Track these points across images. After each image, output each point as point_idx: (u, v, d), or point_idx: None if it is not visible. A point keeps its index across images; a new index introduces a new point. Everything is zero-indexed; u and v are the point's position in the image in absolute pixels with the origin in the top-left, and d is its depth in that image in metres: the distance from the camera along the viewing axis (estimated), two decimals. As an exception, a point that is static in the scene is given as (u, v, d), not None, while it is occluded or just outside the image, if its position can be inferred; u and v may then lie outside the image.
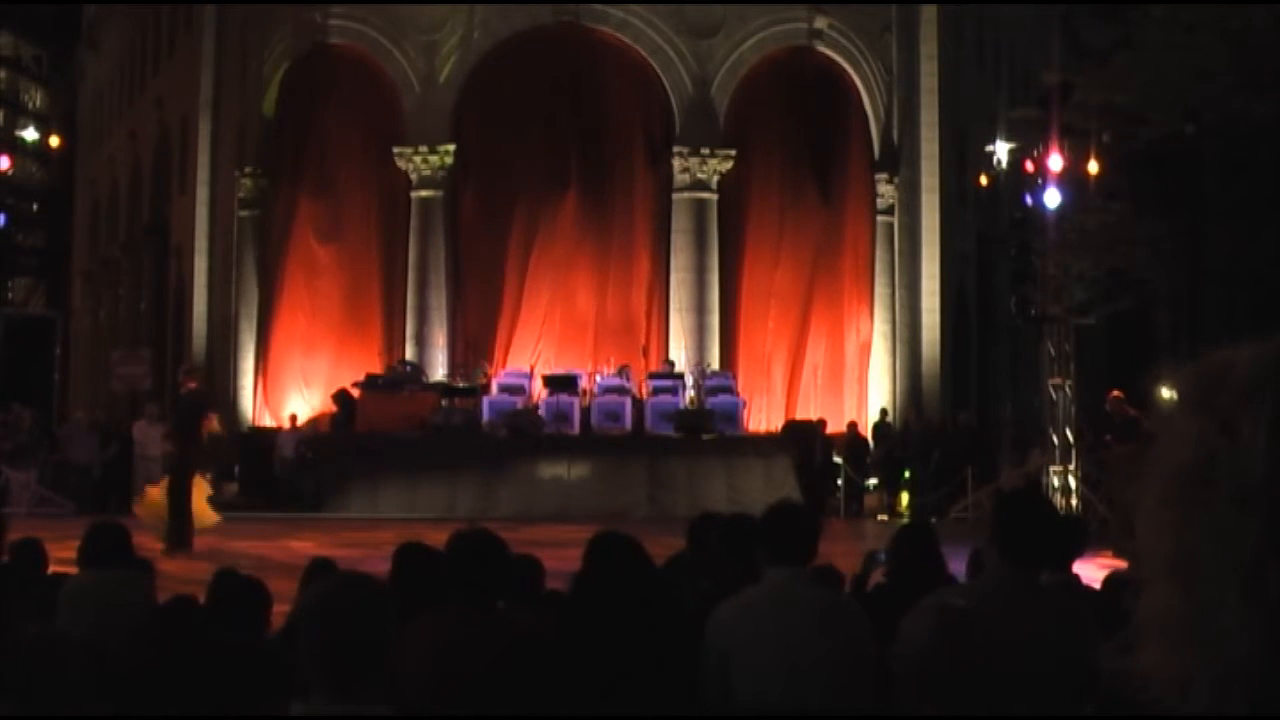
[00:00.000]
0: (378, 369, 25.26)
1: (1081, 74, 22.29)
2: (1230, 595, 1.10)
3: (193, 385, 17.68)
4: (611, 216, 27.01)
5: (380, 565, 6.09)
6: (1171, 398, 1.22)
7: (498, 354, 26.37)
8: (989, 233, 30.59)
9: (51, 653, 4.05)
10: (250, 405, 27.86)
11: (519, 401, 23.91)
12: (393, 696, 3.15)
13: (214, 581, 6.07)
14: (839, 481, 23.72)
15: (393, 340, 27.08)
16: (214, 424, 17.83)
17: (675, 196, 27.33)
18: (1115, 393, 19.89)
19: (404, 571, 5.82)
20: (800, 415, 26.01)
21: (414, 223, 27.44)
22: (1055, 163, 20.84)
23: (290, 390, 27.39)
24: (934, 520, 20.50)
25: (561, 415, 23.46)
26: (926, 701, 3.64)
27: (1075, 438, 21.02)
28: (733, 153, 27.24)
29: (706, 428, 23.31)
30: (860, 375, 27.67)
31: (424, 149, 27.16)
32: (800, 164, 27.48)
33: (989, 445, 24.57)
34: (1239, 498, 1.11)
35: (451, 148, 27.14)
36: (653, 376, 24.93)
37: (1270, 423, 1.11)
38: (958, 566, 7.06)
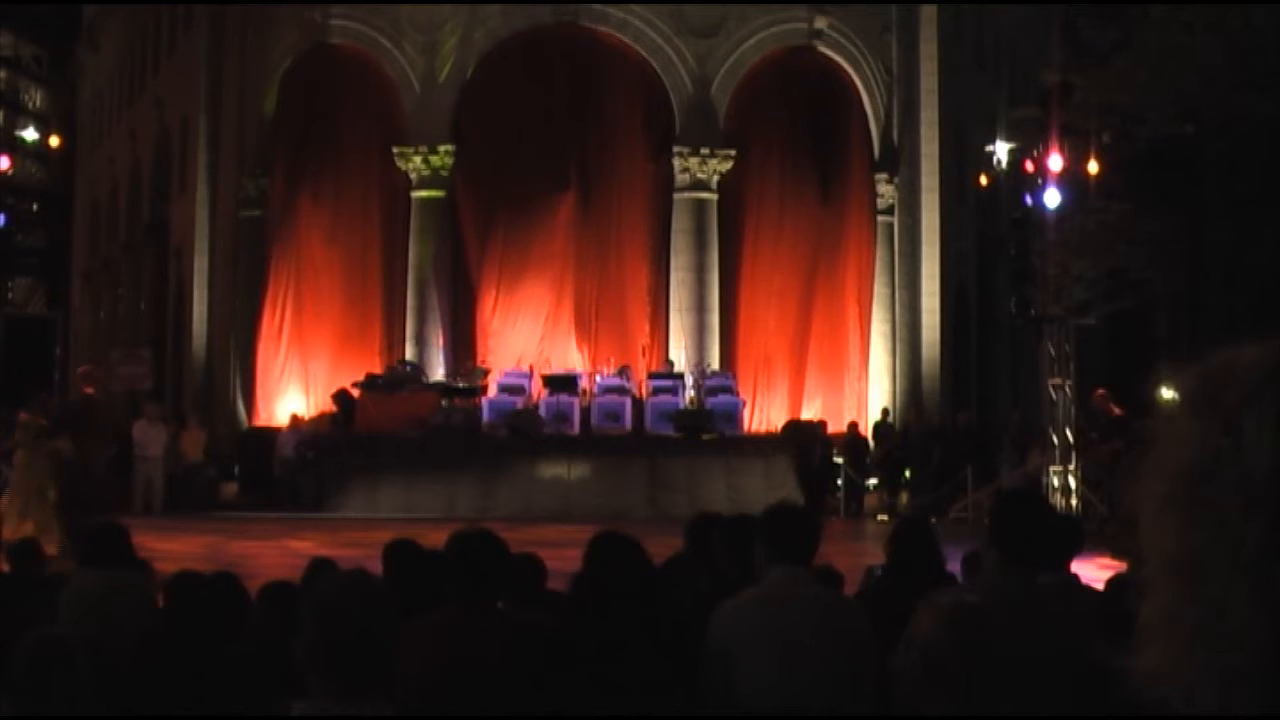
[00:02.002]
0: (378, 369, 25.26)
1: (1081, 74, 22.27)
2: (1235, 595, 1.10)
3: (90, 391, 15.94)
4: (611, 216, 27.01)
5: (378, 566, 6.09)
6: (1173, 398, 1.22)
7: (497, 354, 26.35)
8: (989, 233, 30.58)
9: (61, 651, 4.06)
10: (250, 405, 27.86)
11: (519, 401, 23.91)
12: (394, 696, 3.14)
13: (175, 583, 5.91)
14: (839, 481, 23.71)
15: (393, 340, 27.08)
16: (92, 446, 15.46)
17: (675, 196, 27.33)
18: (1100, 391, 19.96)
19: (394, 569, 5.82)
20: (800, 415, 26.01)
21: (414, 223, 27.44)
22: (1055, 163, 20.85)
23: (290, 390, 27.38)
24: (934, 520, 20.54)
25: (561, 415, 23.47)
26: (940, 699, 3.63)
27: (1075, 438, 21.02)
28: (733, 153, 27.24)
29: (706, 428, 23.31)
30: (860, 375, 27.65)
31: (424, 149, 27.16)
32: (800, 164, 27.48)
33: (989, 445, 24.55)
34: (1243, 497, 1.11)
35: (451, 148, 27.13)
36: (653, 376, 24.94)
37: (1274, 422, 1.11)
38: (955, 566, 7.07)
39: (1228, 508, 1.12)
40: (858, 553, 14.23)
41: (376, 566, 6.27)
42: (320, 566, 6.63)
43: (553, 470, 22.68)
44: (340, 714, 2.87)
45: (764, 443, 23.99)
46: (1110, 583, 6.27)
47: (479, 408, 23.92)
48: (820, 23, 27.77)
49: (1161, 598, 1.15)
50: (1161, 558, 1.16)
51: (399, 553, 5.98)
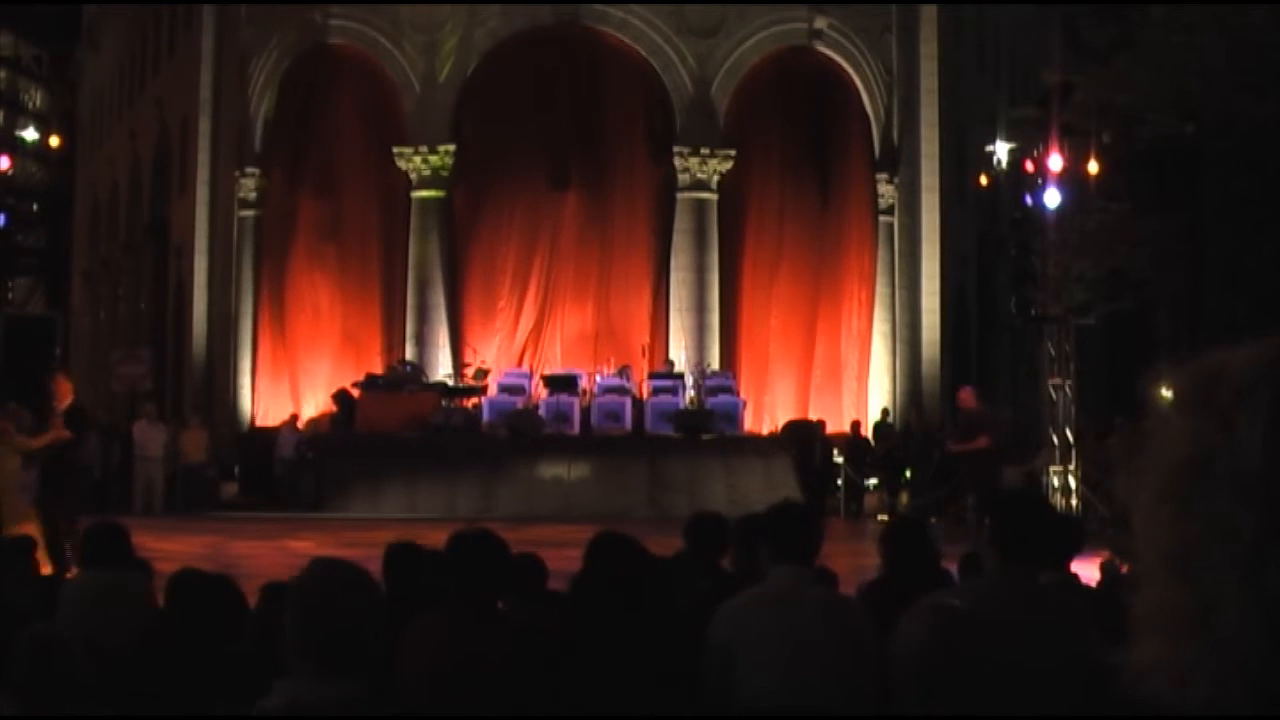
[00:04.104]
0: (378, 369, 25.26)
1: (1081, 74, 22.27)
2: (1229, 588, 1.11)
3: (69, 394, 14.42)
4: (612, 216, 27.02)
5: (379, 566, 6.08)
6: (1168, 397, 1.23)
7: (498, 354, 26.37)
8: (989, 233, 30.59)
9: (62, 649, 4.06)
10: (250, 405, 27.88)
11: (519, 401, 23.91)
12: (386, 689, 3.17)
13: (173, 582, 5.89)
14: (839, 481, 23.70)
15: (393, 340, 27.08)
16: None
17: (675, 196, 27.34)
18: (964, 389, 20.18)
19: (395, 572, 5.81)
20: (801, 415, 26.01)
21: (414, 223, 27.44)
22: (1055, 163, 20.84)
23: (289, 390, 27.39)
24: (934, 520, 20.55)
25: (561, 415, 23.46)
26: (923, 703, 3.64)
27: (1075, 438, 21.03)
28: (733, 153, 27.24)
29: (706, 428, 23.30)
30: (860, 375, 27.66)
31: (424, 149, 27.16)
32: (800, 164, 27.48)
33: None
34: (1236, 493, 1.12)
35: (451, 148, 27.13)
36: (653, 376, 24.94)
37: (1267, 416, 1.13)
38: (954, 565, 7.07)
39: (1221, 502, 1.13)
40: (857, 553, 14.22)
41: (376, 567, 6.27)
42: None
43: (553, 470, 22.67)
44: (320, 695, 2.93)
45: (764, 443, 23.98)
46: (1103, 581, 6.27)
47: (479, 408, 23.93)
48: (820, 23, 27.78)
49: (1155, 592, 1.16)
50: (1155, 552, 1.17)
51: (399, 556, 5.96)
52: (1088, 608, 4.63)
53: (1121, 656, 1.17)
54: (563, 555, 7.09)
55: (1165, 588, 1.15)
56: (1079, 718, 3.93)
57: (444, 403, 23.83)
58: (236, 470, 25.75)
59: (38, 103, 57.05)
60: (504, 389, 24.42)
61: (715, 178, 27.33)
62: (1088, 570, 7.09)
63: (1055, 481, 20.90)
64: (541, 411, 23.56)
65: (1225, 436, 1.14)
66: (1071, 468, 20.90)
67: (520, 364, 26.06)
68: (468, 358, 25.55)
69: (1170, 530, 1.16)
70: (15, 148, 40.09)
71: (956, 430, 21.48)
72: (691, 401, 24.20)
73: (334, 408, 25.01)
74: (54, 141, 42.23)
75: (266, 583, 6.16)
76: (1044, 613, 4.19)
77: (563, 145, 26.75)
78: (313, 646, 2.97)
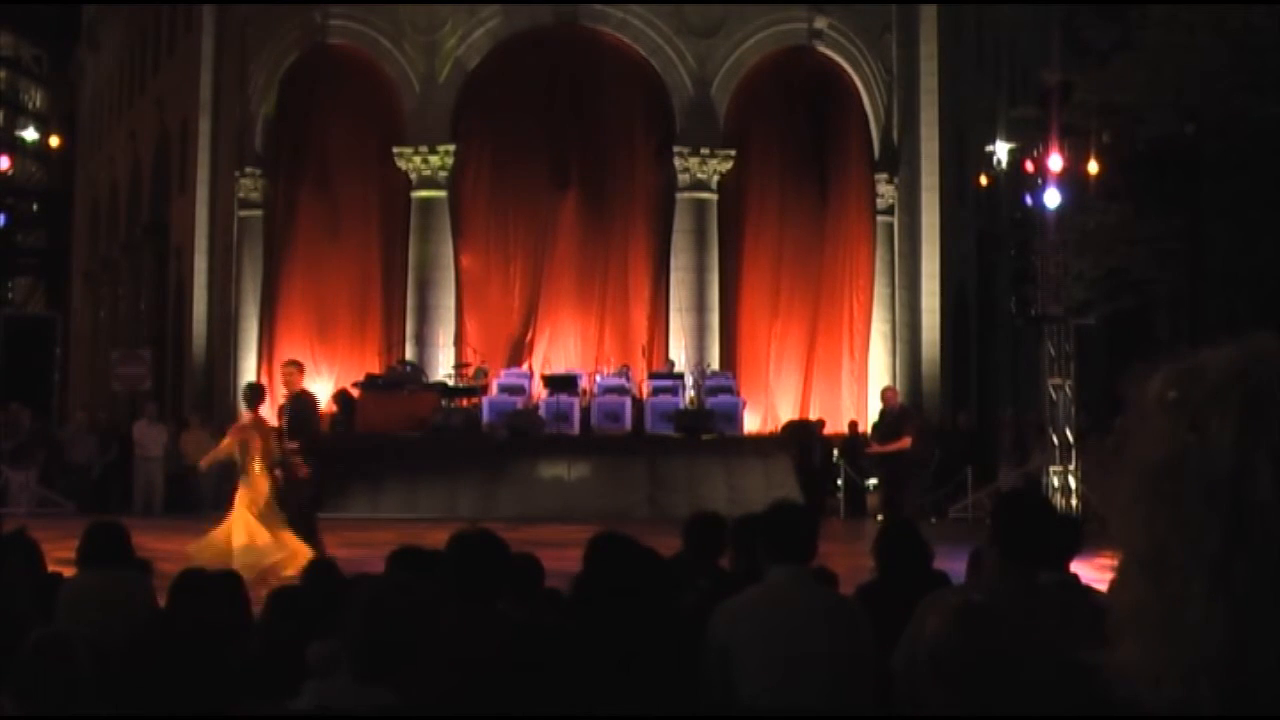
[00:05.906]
0: (378, 369, 25.26)
1: (1081, 74, 22.28)
2: (1198, 588, 1.13)
3: (301, 383, 14.60)
4: (611, 216, 27.01)
5: (380, 566, 6.08)
6: (1151, 396, 1.24)
7: (498, 354, 26.36)
8: (989, 233, 30.58)
9: (64, 650, 4.07)
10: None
11: (519, 402, 23.91)
12: (400, 687, 3.21)
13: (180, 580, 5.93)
14: (839, 481, 23.70)
15: (393, 340, 27.08)
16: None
17: (675, 196, 27.33)
18: (888, 390, 20.27)
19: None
20: (800, 415, 26.00)
21: (414, 223, 27.43)
22: (1055, 163, 20.85)
23: (290, 390, 27.34)
24: (934, 520, 20.57)
25: (561, 415, 23.46)
26: (945, 699, 3.63)
27: (1075, 438, 21.04)
28: (733, 153, 27.23)
29: (706, 428, 23.30)
30: (860, 375, 27.64)
31: (424, 149, 27.15)
32: (800, 164, 27.47)
33: (989, 445, 24.55)
34: (1207, 493, 1.13)
35: (451, 148, 27.13)
36: (653, 376, 24.94)
37: (1237, 420, 1.14)
38: (954, 565, 7.08)
39: (1191, 503, 1.14)
40: (857, 553, 14.21)
41: (376, 567, 6.28)
42: (319, 568, 6.63)
43: (553, 470, 22.67)
44: (352, 697, 2.95)
45: (764, 443, 23.98)
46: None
47: (479, 408, 23.92)
48: (820, 23, 27.77)
49: (1130, 592, 1.18)
50: (1129, 552, 1.18)
51: (404, 560, 5.95)
52: (1086, 607, 4.64)
53: (1101, 656, 1.18)
54: (563, 555, 7.10)
55: (1139, 588, 1.16)
56: (1076, 717, 3.94)
57: (444, 403, 23.82)
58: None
59: (38, 103, 57.05)
60: (504, 389, 24.42)
61: (715, 178, 27.33)
62: (1087, 570, 7.09)
63: (1055, 481, 20.91)
64: (541, 411, 23.56)
65: (1197, 438, 1.15)
66: (1071, 468, 20.92)
67: (520, 364, 26.04)
68: (467, 358, 25.54)
69: (1143, 531, 1.17)
70: (15, 148, 40.00)
71: (879, 431, 21.67)
72: (691, 401, 24.21)
73: (334, 408, 25.00)
74: (54, 141, 42.16)
75: (274, 589, 6.16)
76: (1043, 612, 4.19)
77: (563, 145, 26.75)
78: (365, 654, 3.05)
